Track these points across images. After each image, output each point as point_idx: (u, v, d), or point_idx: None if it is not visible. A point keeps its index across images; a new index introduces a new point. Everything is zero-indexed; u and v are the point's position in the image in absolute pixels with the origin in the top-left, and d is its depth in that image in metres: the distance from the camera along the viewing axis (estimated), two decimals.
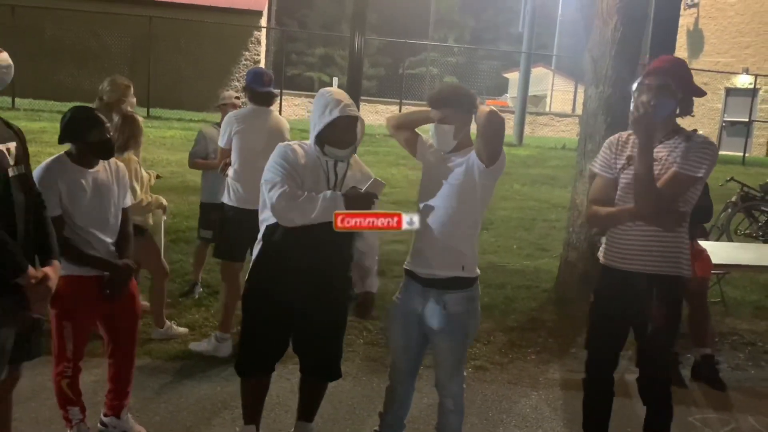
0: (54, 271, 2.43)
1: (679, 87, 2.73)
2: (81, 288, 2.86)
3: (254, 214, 4.12)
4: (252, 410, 2.99)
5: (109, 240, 2.96)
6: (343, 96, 2.77)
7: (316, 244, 2.72)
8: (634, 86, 2.85)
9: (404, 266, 2.91)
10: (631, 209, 2.74)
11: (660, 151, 2.74)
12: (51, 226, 2.55)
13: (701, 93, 2.81)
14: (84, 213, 2.86)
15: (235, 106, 4.98)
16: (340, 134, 2.73)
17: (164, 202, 4.38)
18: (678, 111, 2.78)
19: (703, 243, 4.79)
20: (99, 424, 3.09)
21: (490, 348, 4.57)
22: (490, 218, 8.53)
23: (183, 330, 4.43)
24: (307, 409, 3.07)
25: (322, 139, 2.74)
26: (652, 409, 2.95)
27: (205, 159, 4.98)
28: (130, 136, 4.13)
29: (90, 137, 2.86)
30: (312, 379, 3.04)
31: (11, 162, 2.31)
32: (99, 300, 2.90)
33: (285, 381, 3.64)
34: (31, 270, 2.31)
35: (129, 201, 3.15)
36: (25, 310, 2.35)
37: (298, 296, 2.79)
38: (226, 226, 4.25)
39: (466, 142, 2.76)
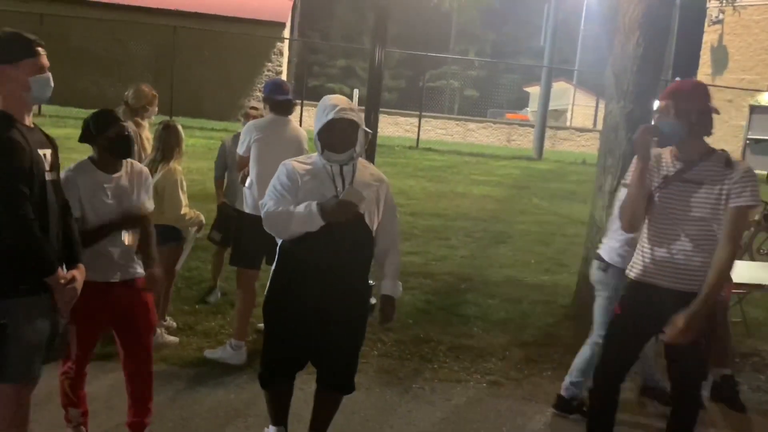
0: (80, 274, 2.49)
1: (683, 108, 2.79)
2: (88, 293, 2.79)
3: None
4: (279, 413, 3.06)
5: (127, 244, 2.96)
6: (342, 101, 2.82)
7: (335, 252, 2.77)
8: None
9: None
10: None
11: (700, 174, 2.81)
12: (77, 231, 2.62)
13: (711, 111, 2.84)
14: (102, 218, 2.88)
15: (248, 116, 5.05)
16: (335, 137, 2.78)
17: (203, 219, 4.43)
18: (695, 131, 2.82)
19: None
20: None
21: (505, 363, 4.53)
22: (508, 232, 8.48)
23: (173, 339, 4.36)
24: (321, 421, 3.08)
25: (321, 143, 2.81)
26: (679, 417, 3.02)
27: (224, 168, 5.10)
28: (173, 145, 4.19)
29: (107, 134, 2.87)
30: (327, 391, 3.04)
31: (47, 167, 2.41)
32: (106, 308, 2.90)
33: (299, 391, 3.60)
34: (60, 271, 2.38)
35: (150, 205, 3.12)
36: (53, 312, 2.41)
37: (317, 305, 2.81)
38: (242, 234, 4.27)
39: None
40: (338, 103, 2.78)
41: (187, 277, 5.60)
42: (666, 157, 2.91)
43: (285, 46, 19.94)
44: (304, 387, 3.67)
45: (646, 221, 2.93)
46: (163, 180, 4.14)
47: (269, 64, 19.15)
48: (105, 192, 2.89)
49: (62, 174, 2.85)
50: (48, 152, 2.44)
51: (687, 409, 3.03)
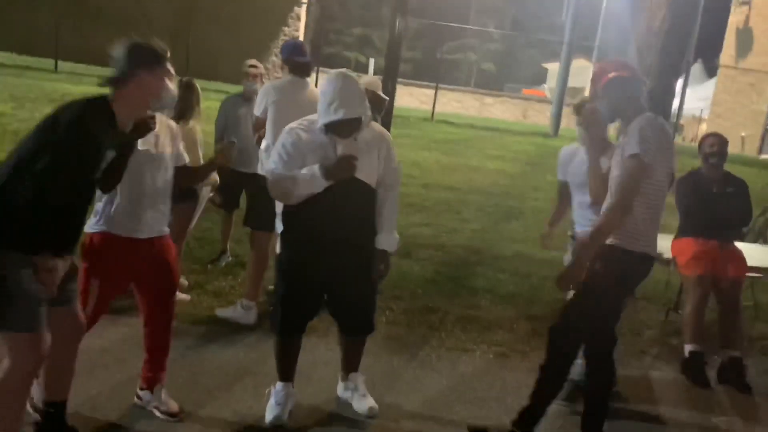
0: (64, 264, 2.46)
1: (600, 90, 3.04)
2: (113, 246, 2.85)
3: None
4: (287, 368, 3.17)
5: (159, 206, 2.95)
6: (351, 91, 2.86)
7: (339, 212, 2.93)
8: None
9: None
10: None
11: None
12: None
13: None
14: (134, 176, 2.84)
15: (248, 75, 4.98)
16: (342, 130, 2.91)
17: (217, 179, 4.45)
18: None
19: (738, 245, 4.69)
20: (135, 397, 3.11)
21: (512, 336, 4.55)
22: (520, 208, 8.46)
23: (185, 297, 4.38)
24: (351, 362, 3.34)
25: (326, 128, 2.91)
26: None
27: (223, 129, 5.06)
28: (192, 104, 4.17)
29: None
30: (351, 337, 3.29)
31: (101, 166, 2.48)
32: (130, 265, 2.90)
33: (307, 353, 3.65)
34: (46, 257, 2.35)
35: (184, 159, 3.09)
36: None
37: (328, 264, 2.98)
38: (257, 196, 4.28)
39: None
40: (347, 97, 2.84)
41: (199, 238, 5.64)
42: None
43: (302, 11, 19.74)
44: (313, 350, 3.72)
45: None
46: (182, 138, 4.13)
47: (286, 28, 18.99)
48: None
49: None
50: (112, 154, 2.50)
51: (595, 374, 3.14)
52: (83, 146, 2.32)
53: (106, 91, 2.50)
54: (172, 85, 2.56)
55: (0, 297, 2.28)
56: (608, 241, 2.90)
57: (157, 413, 3.04)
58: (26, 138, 2.38)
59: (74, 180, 2.34)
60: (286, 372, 3.18)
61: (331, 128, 2.90)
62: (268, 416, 3.09)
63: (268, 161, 3.97)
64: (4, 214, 2.27)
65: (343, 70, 3.01)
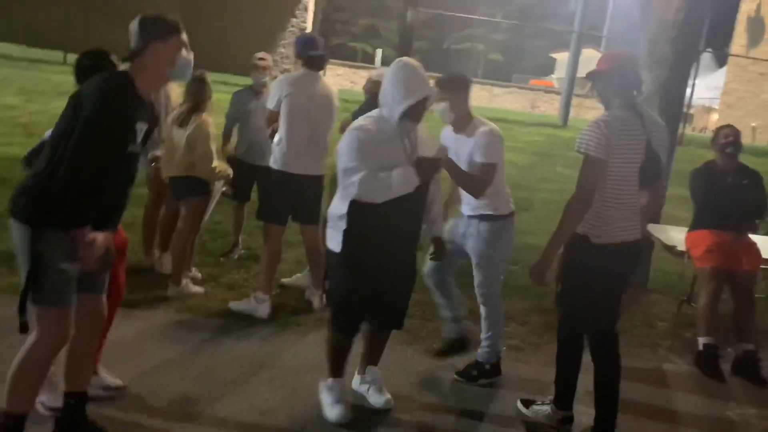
0: (104, 239, 2.47)
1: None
2: None
3: (299, 178, 4.19)
4: (342, 365, 3.22)
5: None
6: (420, 73, 2.94)
7: (404, 208, 2.98)
8: None
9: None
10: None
11: None
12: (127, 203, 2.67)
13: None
14: None
15: (256, 67, 4.96)
16: (417, 112, 2.94)
17: (230, 173, 4.45)
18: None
19: (753, 237, 4.66)
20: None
21: (525, 329, 4.55)
22: (530, 200, 8.42)
23: (199, 289, 4.43)
24: (374, 355, 3.38)
25: (406, 114, 2.91)
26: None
27: (233, 122, 5.09)
28: (205, 97, 4.17)
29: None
30: (384, 331, 3.35)
31: (136, 140, 2.52)
32: None
33: (319, 348, 3.67)
34: (86, 230, 2.40)
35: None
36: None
37: (389, 259, 3.06)
38: (270, 189, 4.28)
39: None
40: (419, 79, 2.91)
41: (212, 230, 5.66)
42: None
43: (310, 2, 19.68)
44: (323, 344, 3.71)
45: None
46: (195, 132, 4.14)
47: (294, 20, 18.95)
48: None
49: None
50: (145, 127, 2.53)
51: (600, 367, 3.21)
52: (109, 117, 2.36)
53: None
54: (188, 54, 2.57)
55: (35, 272, 2.36)
56: (577, 231, 3.00)
57: (107, 393, 3.02)
58: (59, 120, 2.45)
59: (106, 153, 2.38)
60: (341, 368, 3.21)
61: (409, 113, 2.90)
62: (333, 415, 3.12)
63: (289, 153, 4.03)
64: (44, 193, 2.35)
65: (404, 58, 3.03)
